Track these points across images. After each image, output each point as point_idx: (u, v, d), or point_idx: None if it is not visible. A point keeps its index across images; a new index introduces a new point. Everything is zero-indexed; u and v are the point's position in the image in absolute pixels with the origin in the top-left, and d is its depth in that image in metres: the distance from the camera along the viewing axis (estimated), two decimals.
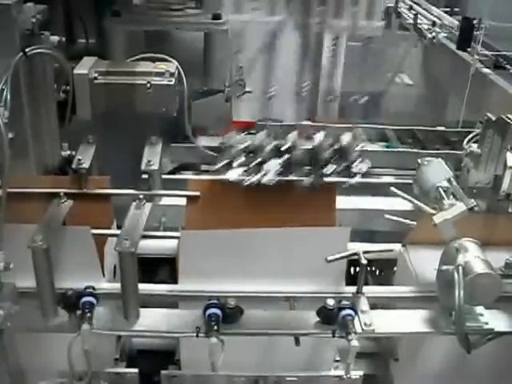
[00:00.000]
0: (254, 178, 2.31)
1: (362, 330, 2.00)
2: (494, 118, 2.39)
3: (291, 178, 2.87)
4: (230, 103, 3.29)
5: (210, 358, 1.92)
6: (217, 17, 3.10)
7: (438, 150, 3.07)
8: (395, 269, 2.52)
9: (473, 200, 2.07)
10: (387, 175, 2.96)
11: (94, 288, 1.99)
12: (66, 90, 2.52)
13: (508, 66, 3.82)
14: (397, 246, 2.40)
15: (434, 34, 3.83)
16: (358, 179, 2.41)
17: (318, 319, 2.01)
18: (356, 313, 2.00)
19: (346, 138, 2.45)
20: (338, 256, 2.08)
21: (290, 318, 2.09)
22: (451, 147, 3.06)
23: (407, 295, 2.22)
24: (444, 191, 2.19)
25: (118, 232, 2.09)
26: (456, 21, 3.94)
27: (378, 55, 3.37)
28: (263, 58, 3.32)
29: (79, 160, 2.43)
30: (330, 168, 2.37)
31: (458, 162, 2.61)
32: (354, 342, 1.92)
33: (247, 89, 3.11)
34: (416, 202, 2.20)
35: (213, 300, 1.97)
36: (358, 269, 2.12)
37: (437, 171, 2.26)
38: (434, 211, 2.11)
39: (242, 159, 2.39)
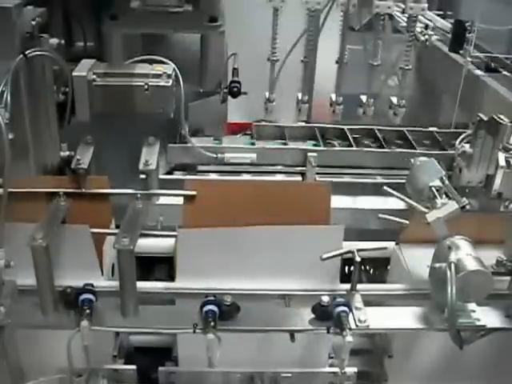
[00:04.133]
0: None
1: (356, 326, 2.03)
2: (485, 119, 2.42)
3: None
4: (226, 104, 3.32)
5: (207, 354, 1.94)
6: (213, 19, 3.12)
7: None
8: (388, 267, 2.56)
9: (465, 199, 2.10)
10: (381, 175, 2.99)
11: (92, 285, 2.02)
12: (66, 92, 2.54)
13: (500, 69, 3.86)
14: (390, 244, 2.43)
15: (426, 36, 3.87)
16: None
17: (312, 316, 2.04)
18: (350, 309, 2.03)
19: None
20: (332, 254, 2.11)
21: (285, 315, 2.12)
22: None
23: (400, 292, 2.26)
24: (437, 190, 2.21)
25: (117, 231, 2.11)
26: (449, 23, 3.98)
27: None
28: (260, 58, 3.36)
29: (78, 160, 2.44)
30: None
31: (451, 161, 2.65)
32: (349, 338, 1.94)
33: (243, 90, 3.14)
34: (409, 200, 2.22)
35: (209, 297, 2.00)
36: (352, 267, 2.15)
37: (430, 171, 2.28)
38: (426, 210, 2.14)
39: None
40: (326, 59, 3.47)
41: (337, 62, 3.42)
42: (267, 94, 3.41)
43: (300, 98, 3.47)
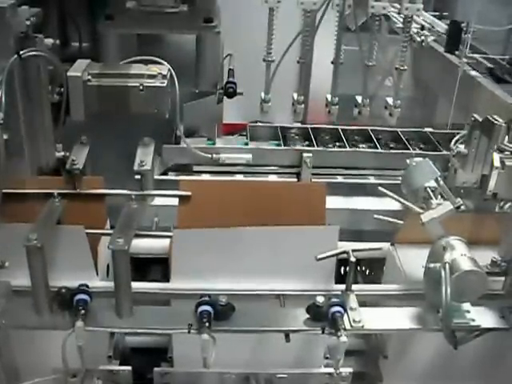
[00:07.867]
0: None
1: (351, 326, 2.03)
2: (480, 119, 2.42)
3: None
4: (222, 105, 3.32)
5: (202, 354, 1.94)
6: (208, 20, 3.12)
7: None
8: (384, 268, 2.56)
9: (460, 199, 2.10)
10: (375, 175, 2.99)
11: (87, 286, 2.01)
12: (60, 92, 2.53)
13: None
14: (385, 245, 2.44)
15: (422, 37, 3.88)
16: None
17: (307, 316, 2.04)
18: (345, 310, 2.03)
19: None
20: (327, 254, 2.11)
21: (280, 315, 2.12)
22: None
23: (395, 293, 2.26)
24: (432, 191, 2.21)
25: (112, 231, 2.11)
26: (445, 24, 3.99)
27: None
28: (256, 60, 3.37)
29: (73, 161, 2.45)
30: None
31: (446, 162, 2.65)
32: (343, 338, 1.94)
33: (238, 91, 3.14)
34: (404, 201, 2.22)
35: (204, 297, 1.99)
36: (347, 268, 2.15)
37: (425, 171, 2.27)
38: (421, 210, 2.14)
39: None
40: (321, 60, 3.48)
41: (332, 63, 3.43)
42: (263, 95, 3.43)
43: (295, 98, 3.48)
